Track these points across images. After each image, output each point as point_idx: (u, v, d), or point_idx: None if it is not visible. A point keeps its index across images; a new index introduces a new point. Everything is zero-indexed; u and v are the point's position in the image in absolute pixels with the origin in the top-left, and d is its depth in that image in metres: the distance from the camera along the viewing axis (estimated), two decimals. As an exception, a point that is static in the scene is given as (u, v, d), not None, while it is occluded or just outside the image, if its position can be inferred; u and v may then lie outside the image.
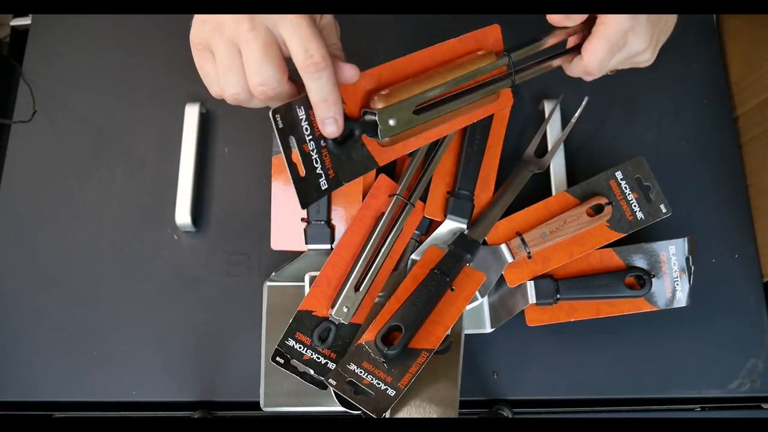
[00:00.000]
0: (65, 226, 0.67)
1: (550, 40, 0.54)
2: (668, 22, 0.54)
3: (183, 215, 0.65)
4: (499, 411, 0.61)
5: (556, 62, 0.55)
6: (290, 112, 0.48)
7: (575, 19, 0.52)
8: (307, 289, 0.61)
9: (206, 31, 0.45)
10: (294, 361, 0.58)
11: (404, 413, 0.58)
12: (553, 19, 0.52)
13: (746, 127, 0.72)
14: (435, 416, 0.58)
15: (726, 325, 0.66)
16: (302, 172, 0.49)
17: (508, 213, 0.63)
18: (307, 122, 0.49)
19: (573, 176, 0.68)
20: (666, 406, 0.66)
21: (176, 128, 0.68)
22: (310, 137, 0.49)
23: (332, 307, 0.59)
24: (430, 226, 0.64)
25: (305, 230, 0.63)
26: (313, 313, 0.59)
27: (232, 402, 0.63)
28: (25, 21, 0.76)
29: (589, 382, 0.64)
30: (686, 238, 0.62)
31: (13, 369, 0.63)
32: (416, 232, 0.63)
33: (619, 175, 0.63)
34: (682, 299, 0.62)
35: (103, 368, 0.63)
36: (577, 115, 0.67)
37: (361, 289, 0.59)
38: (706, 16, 0.76)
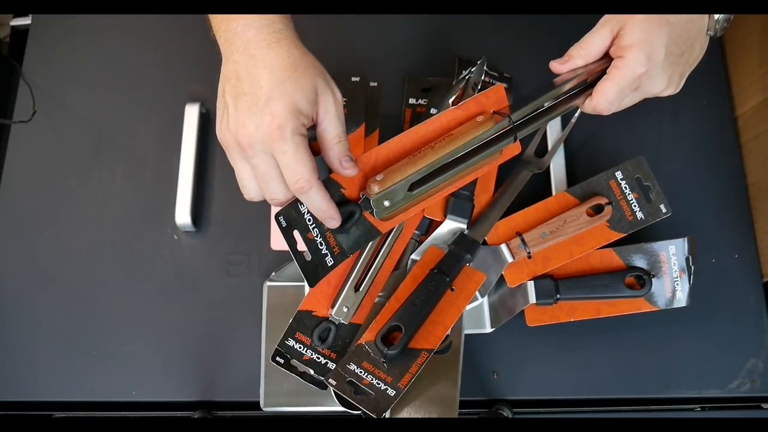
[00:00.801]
0: (65, 226, 0.67)
1: (553, 92, 0.54)
2: (693, 53, 0.53)
3: (183, 215, 0.65)
4: (499, 411, 0.61)
5: (574, 102, 0.55)
6: (292, 210, 0.52)
7: (572, 65, 0.53)
8: (307, 289, 0.61)
9: (245, 139, 0.48)
10: (294, 361, 0.58)
11: (404, 413, 0.58)
12: (554, 67, 0.54)
13: (746, 127, 0.72)
14: (435, 416, 0.58)
15: (726, 325, 0.66)
16: (308, 257, 0.53)
17: (508, 213, 0.63)
18: (309, 214, 0.53)
19: (573, 176, 0.68)
20: (666, 406, 0.66)
21: (176, 128, 0.68)
22: (313, 225, 0.53)
23: (332, 307, 0.59)
24: (430, 226, 0.64)
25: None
26: (313, 313, 0.59)
27: (232, 402, 0.63)
28: (25, 21, 0.76)
29: (589, 382, 0.64)
30: (686, 238, 0.62)
31: (13, 369, 0.63)
32: (416, 232, 0.63)
33: (619, 175, 0.63)
34: (682, 299, 0.62)
35: (103, 368, 0.63)
36: (577, 115, 0.67)
37: (361, 289, 0.59)
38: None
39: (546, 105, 0.54)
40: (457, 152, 0.54)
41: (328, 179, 0.52)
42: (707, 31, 0.53)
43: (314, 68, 0.48)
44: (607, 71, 0.52)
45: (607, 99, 0.52)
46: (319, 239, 0.54)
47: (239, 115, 0.47)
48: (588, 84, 0.54)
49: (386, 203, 0.53)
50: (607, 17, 0.53)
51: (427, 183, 0.54)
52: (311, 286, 0.54)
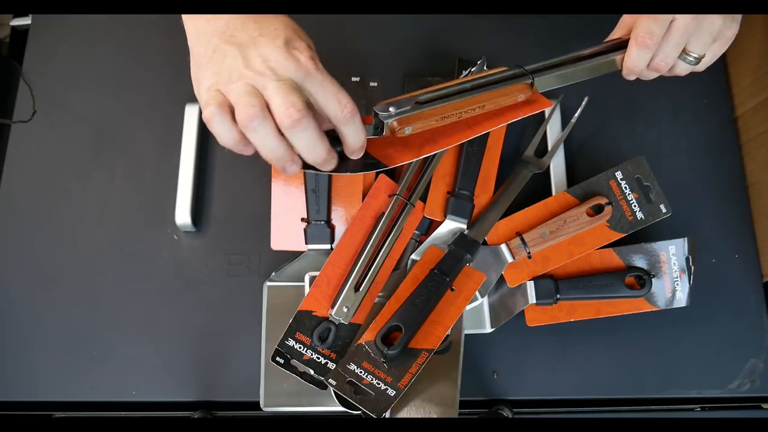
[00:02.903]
0: (65, 226, 0.67)
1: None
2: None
3: (183, 215, 0.65)
4: (499, 411, 0.61)
5: (606, 58, 0.54)
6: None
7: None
8: (307, 289, 0.61)
9: (229, 86, 0.45)
10: (294, 361, 0.58)
11: (404, 413, 0.58)
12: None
13: (746, 127, 0.72)
14: (435, 416, 0.58)
15: (726, 325, 0.66)
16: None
17: (508, 213, 0.63)
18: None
19: (573, 176, 0.68)
20: (666, 406, 0.65)
21: (176, 128, 0.68)
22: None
23: (332, 307, 0.59)
24: (430, 226, 0.64)
25: (305, 230, 0.63)
26: (313, 313, 0.59)
27: (232, 402, 0.63)
28: (25, 21, 0.76)
29: (589, 382, 0.64)
30: (686, 238, 0.62)
31: (13, 369, 0.63)
32: (416, 232, 0.63)
33: (619, 175, 0.63)
34: (682, 299, 0.62)
35: (103, 368, 0.63)
36: (577, 115, 0.67)
37: (361, 289, 0.59)
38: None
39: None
40: (465, 83, 0.52)
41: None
42: None
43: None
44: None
45: (644, 27, 0.49)
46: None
47: (242, 54, 0.45)
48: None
49: (391, 109, 0.49)
50: (625, 17, 0.52)
51: (437, 101, 0.51)
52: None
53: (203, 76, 0.46)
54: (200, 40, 0.47)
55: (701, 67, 0.54)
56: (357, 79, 0.65)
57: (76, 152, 0.70)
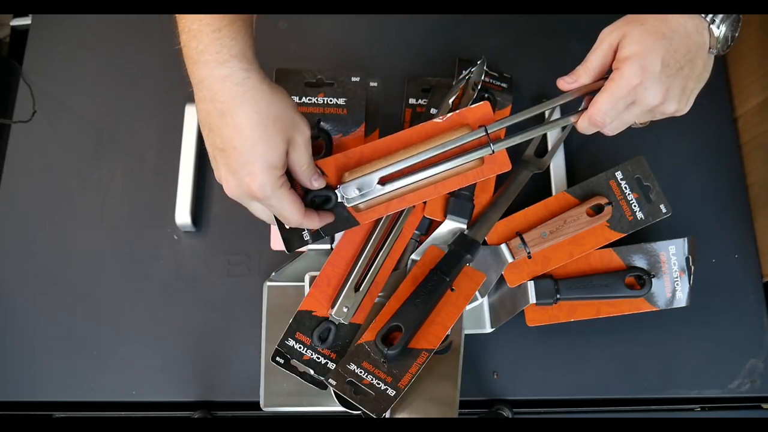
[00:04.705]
0: (65, 226, 0.67)
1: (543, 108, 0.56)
2: (694, 69, 0.53)
3: (183, 215, 0.65)
4: (499, 411, 0.61)
5: (567, 120, 0.56)
6: None
7: (579, 83, 0.54)
8: (307, 289, 0.61)
9: (241, 196, 0.52)
10: (294, 361, 0.58)
11: (404, 413, 0.58)
12: (561, 85, 0.54)
13: (746, 127, 0.72)
14: (435, 416, 0.58)
15: (726, 325, 0.66)
16: (287, 226, 0.56)
17: (508, 213, 0.63)
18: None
19: (573, 176, 0.68)
20: (666, 406, 0.65)
21: (176, 128, 0.68)
22: None
23: (332, 307, 0.59)
24: (430, 226, 0.64)
25: (305, 230, 0.62)
26: (313, 313, 0.59)
27: (232, 402, 0.63)
28: (25, 21, 0.76)
29: (589, 382, 0.64)
30: (686, 238, 0.62)
31: (13, 369, 0.63)
32: (416, 232, 0.63)
33: (619, 175, 0.63)
34: (682, 299, 0.62)
35: (103, 368, 0.63)
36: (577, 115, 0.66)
37: (361, 289, 0.59)
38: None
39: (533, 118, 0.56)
40: (426, 153, 0.56)
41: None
42: (709, 49, 0.53)
43: (282, 116, 0.49)
44: (604, 85, 0.52)
45: (600, 109, 0.52)
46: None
47: (221, 170, 0.51)
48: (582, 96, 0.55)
49: (356, 191, 0.55)
50: (605, 33, 0.53)
51: (398, 181, 0.56)
52: (289, 251, 0.56)
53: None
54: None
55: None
56: (357, 79, 0.65)
57: (76, 152, 0.70)
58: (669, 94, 0.52)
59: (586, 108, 0.53)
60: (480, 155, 0.57)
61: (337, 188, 0.56)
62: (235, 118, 0.47)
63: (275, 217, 0.54)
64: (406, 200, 0.57)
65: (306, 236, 0.56)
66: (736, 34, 0.53)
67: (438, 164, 0.57)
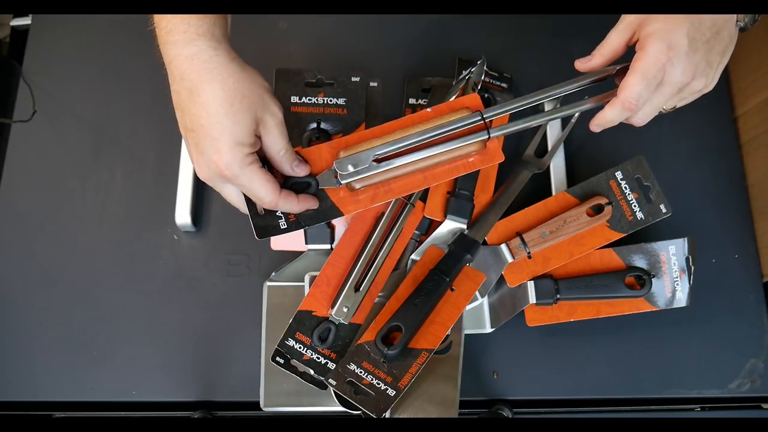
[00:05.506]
0: (65, 226, 0.67)
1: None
2: (721, 42, 0.50)
3: (183, 215, 0.65)
4: (499, 411, 0.61)
5: (587, 104, 0.54)
6: None
7: (594, 63, 0.52)
8: (307, 289, 0.61)
9: (210, 179, 0.51)
10: (294, 361, 0.58)
11: (404, 413, 0.58)
12: (577, 65, 0.53)
13: (746, 127, 0.72)
14: (435, 416, 0.58)
15: (726, 325, 0.66)
16: (261, 211, 0.54)
17: (508, 213, 0.63)
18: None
19: (573, 176, 0.68)
20: (666, 406, 0.65)
21: (176, 128, 0.68)
22: None
23: (332, 307, 0.59)
24: (430, 226, 0.64)
25: (305, 230, 0.63)
26: (313, 313, 0.59)
27: (232, 402, 0.63)
28: (25, 21, 0.76)
29: (589, 382, 0.64)
30: (686, 238, 0.62)
31: (13, 369, 0.63)
32: (416, 232, 0.63)
33: (619, 175, 0.63)
34: (682, 299, 0.62)
35: (103, 368, 0.63)
36: (577, 115, 0.67)
37: (361, 289, 0.59)
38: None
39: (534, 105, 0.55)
40: (423, 134, 0.55)
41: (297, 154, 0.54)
42: (736, 21, 0.51)
43: (250, 94, 0.49)
44: (631, 65, 0.50)
45: (633, 90, 0.49)
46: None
47: (191, 151, 0.50)
48: (590, 82, 0.54)
49: (350, 167, 0.54)
50: (625, 16, 0.51)
51: (393, 160, 0.55)
52: (258, 237, 0.54)
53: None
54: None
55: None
56: (357, 79, 0.65)
57: (76, 152, 0.70)
58: (697, 70, 0.49)
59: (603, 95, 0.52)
60: (477, 140, 0.55)
61: (318, 175, 0.54)
62: (202, 96, 0.47)
63: (247, 202, 0.53)
64: (393, 192, 0.56)
65: (283, 224, 0.54)
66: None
67: (433, 147, 0.55)
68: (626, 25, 0.51)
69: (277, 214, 0.54)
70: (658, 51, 0.48)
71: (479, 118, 0.55)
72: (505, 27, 0.75)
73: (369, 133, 0.57)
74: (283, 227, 0.54)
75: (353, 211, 0.56)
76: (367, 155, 0.54)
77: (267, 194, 0.50)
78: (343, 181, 0.54)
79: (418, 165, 0.55)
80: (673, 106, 0.55)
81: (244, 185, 0.50)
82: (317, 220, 0.55)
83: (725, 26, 0.50)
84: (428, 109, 0.57)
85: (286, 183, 0.53)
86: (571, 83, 0.55)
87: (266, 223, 0.54)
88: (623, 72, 0.51)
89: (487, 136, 0.55)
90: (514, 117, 0.57)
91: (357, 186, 0.55)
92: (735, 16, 0.50)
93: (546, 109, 0.68)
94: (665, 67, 0.49)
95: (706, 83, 0.51)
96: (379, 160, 0.54)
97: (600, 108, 0.53)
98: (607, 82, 0.54)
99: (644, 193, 0.63)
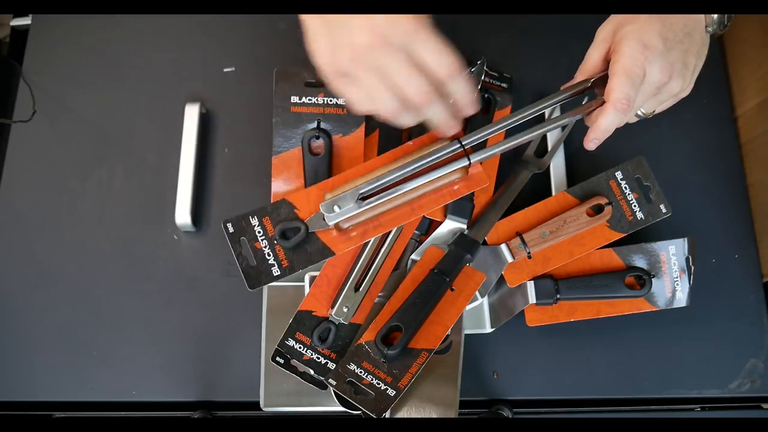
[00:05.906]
0: (65, 226, 0.67)
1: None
2: (694, 43, 0.51)
3: (183, 215, 0.65)
4: (499, 411, 0.61)
5: (572, 114, 0.56)
6: (241, 221, 0.57)
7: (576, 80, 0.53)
8: (307, 289, 0.61)
9: (343, 61, 0.47)
10: (294, 361, 0.58)
11: (404, 413, 0.58)
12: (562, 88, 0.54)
13: (746, 127, 0.72)
14: (435, 416, 0.58)
15: (726, 325, 0.66)
16: (252, 262, 0.56)
17: (508, 213, 0.63)
18: (260, 226, 0.57)
19: (573, 176, 0.68)
20: (666, 406, 0.66)
21: (176, 128, 0.68)
22: (263, 237, 0.57)
23: (332, 307, 0.59)
24: (430, 226, 0.64)
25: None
26: (313, 313, 0.59)
27: (232, 402, 0.63)
28: (25, 21, 0.76)
29: (589, 382, 0.64)
30: (686, 238, 0.62)
31: (13, 369, 0.63)
32: (416, 232, 0.63)
33: (619, 175, 0.63)
34: (682, 299, 0.62)
35: (103, 368, 0.63)
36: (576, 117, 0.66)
37: (361, 289, 0.59)
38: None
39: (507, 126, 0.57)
40: (404, 168, 0.57)
41: (282, 201, 0.58)
42: (705, 26, 0.52)
43: None
44: (609, 70, 0.51)
45: (622, 91, 0.49)
46: (267, 250, 0.57)
47: (365, 21, 0.45)
48: (569, 96, 0.55)
49: (336, 208, 0.56)
50: (599, 30, 0.52)
51: (378, 196, 0.57)
52: (250, 288, 0.56)
53: None
54: None
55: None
56: (357, 79, 0.65)
57: (76, 152, 0.70)
58: (674, 69, 0.50)
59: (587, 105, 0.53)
60: (458, 167, 0.57)
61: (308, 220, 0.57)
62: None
63: (237, 257, 0.54)
64: (383, 226, 0.58)
65: (276, 270, 0.56)
66: (732, 15, 0.53)
67: (417, 179, 0.57)
68: (602, 39, 0.52)
69: (269, 261, 0.56)
70: (634, 50, 0.49)
71: (458, 145, 0.57)
72: (505, 27, 0.75)
73: (354, 171, 0.59)
74: (276, 274, 0.56)
75: (345, 249, 0.58)
76: (352, 195, 0.56)
77: (453, 56, 0.47)
78: (330, 223, 0.56)
79: (404, 198, 0.58)
80: (652, 110, 0.56)
81: (431, 39, 0.47)
82: (310, 262, 0.57)
83: (696, 28, 0.52)
84: (410, 142, 0.60)
85: (276, 228, 0.56)
86: (547, 100, 0.56)
87: (259, 271, 0.56)
88: (601, 81, 0.52)
89: (467, 162, 0.57)
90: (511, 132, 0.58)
91: (345, 225, 0.57)
92: (704, 20, 0.52)
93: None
94: (644, 66, 0.50)
95: (683, 86, 0.53)
96: (365, 198, 0.56)
97: (583, 124, 0.55)
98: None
99: (644, 193, 0.63)
